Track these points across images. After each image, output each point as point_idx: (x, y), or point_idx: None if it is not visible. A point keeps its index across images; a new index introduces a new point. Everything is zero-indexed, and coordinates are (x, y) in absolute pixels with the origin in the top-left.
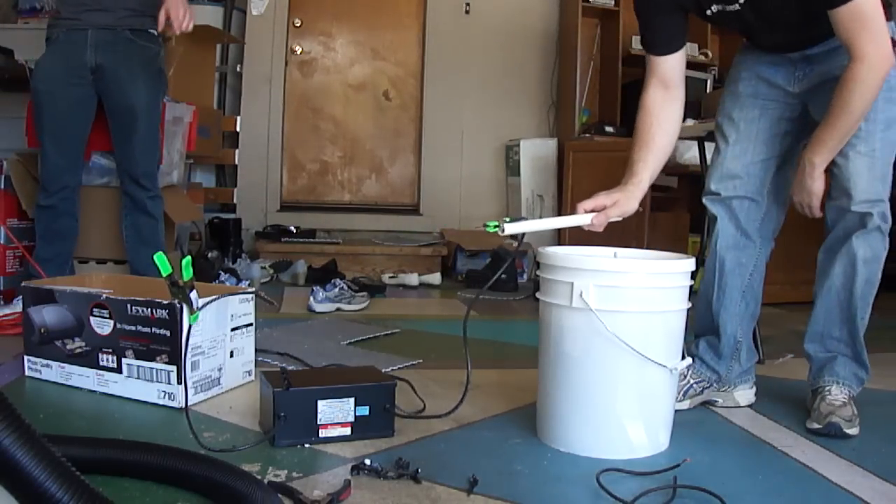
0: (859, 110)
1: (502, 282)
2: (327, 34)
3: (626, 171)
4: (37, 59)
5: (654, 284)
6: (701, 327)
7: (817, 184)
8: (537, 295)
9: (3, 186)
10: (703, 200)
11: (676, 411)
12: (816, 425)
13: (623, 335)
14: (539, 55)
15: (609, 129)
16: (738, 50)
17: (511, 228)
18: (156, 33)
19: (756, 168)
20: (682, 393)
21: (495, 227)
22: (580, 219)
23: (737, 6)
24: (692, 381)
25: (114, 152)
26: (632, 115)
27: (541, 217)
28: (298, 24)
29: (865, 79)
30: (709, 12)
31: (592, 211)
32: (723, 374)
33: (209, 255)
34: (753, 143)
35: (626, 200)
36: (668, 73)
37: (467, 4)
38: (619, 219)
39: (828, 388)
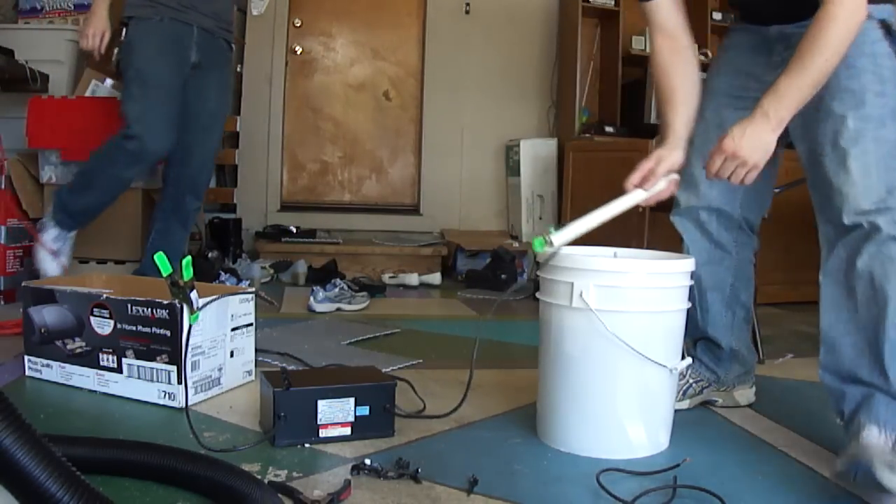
0: (831, 52)
1: (502, 282)
2: (327, 34)
3: (662, 131)
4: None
5: (654, 284)
6: (694, 334)
7: (766, 142)
8: (537, 295)
9: (3, 186)
10: (670, 217)
11: (676, 411)
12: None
13: (623, 335)
14: (539, 55)
15: (609, 129)
16: (719, 47)
17: (560, 238)
18: (233, 49)
19: None
20: (681, 392)
21: (542, 244)
22: (633, 197)
23: None
24: (691, 381)
25: (174, 156)
26: (632, 116)
27: (540, 218)
28: (298, 24)
29: (840, 17)
30: None
31: (642, 183)
32: (721, 376)
33: (209, 255)
34: (716, 135)
35: (668, 153)
36: (667, 20)
37: (467, 4)
38: (674, 177)
39: (865, 430)
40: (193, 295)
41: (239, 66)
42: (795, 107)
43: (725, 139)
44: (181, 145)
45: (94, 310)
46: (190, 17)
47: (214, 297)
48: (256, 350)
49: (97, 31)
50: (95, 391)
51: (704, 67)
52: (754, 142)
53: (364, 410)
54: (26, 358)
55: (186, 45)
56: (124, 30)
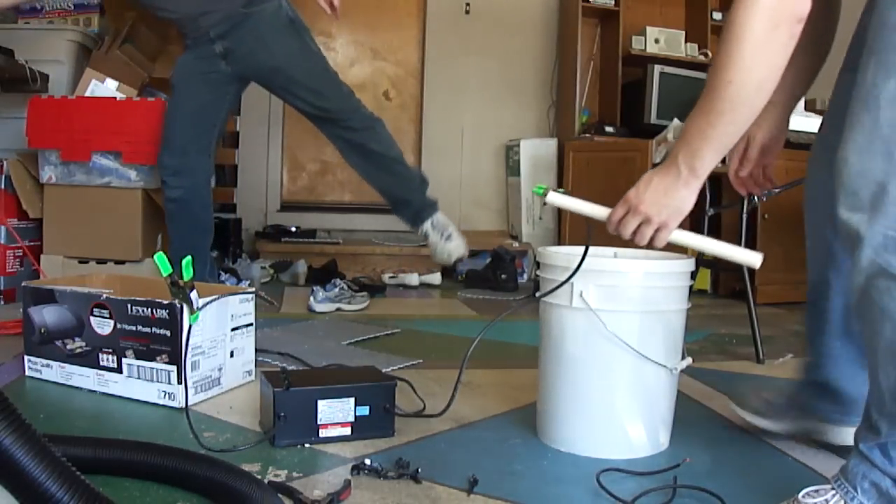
0: (740, 74)
1: (502, 282)
2: (327, 34)
3: None
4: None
5: (653, 284)
6: None
7: (678, 198)
8: (537, 295)
9: (3, 186)
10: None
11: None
12: None
13: (623, 335)
14: (539, 55)
15: (609, 129)
16: None
17: (554, 199)
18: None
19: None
20: None
21: (541, 190)
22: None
23: None
24: None
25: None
26: (632, 116)
27: (540, 218)
28: None
29: (751, 23)
30: None
31: (740, 168)
32: None
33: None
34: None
35: (757, 129)
36: None
37: (467, 4)
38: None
39: None
40: (193, 295)
41: None
42: (710, 154)
43: (631, 189)
44: (294, 105)
45: (94, 310)
46: (202, 26)
47: (214, 297)
48: (256, 350)
49: None
50: (95, 391)
51: (704, 67)
52: (659, 197)
53: (364, 410)
54: (26, 358)
55: (209, 48)
56: None
